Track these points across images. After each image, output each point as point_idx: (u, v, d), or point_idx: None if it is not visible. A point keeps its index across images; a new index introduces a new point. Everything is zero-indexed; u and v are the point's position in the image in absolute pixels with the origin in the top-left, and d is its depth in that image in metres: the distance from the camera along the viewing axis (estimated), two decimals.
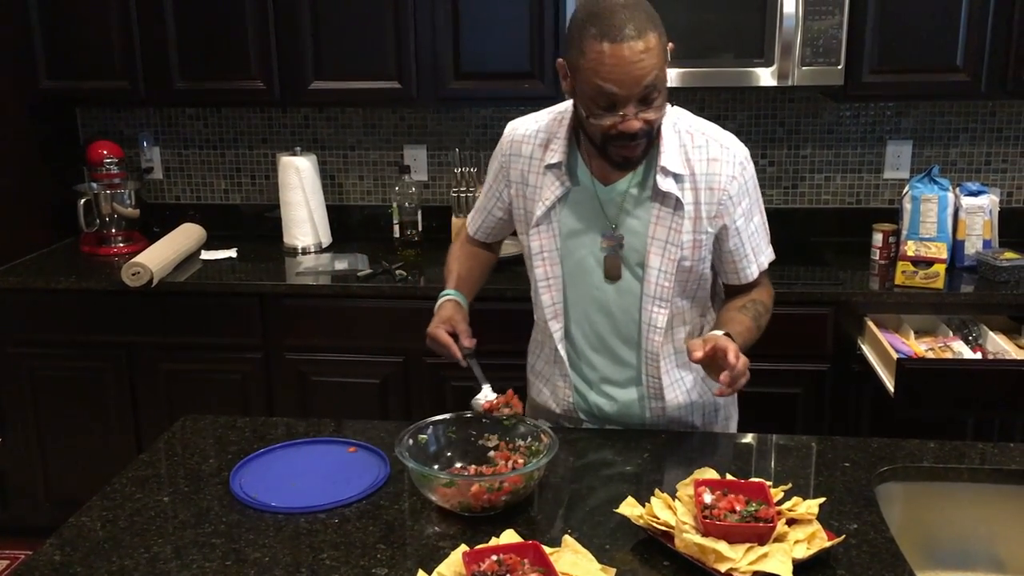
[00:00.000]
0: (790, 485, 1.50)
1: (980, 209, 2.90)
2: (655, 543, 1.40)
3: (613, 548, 1.41)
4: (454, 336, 1.76)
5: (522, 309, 2.92)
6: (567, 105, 1.77)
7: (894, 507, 1.62)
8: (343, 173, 3.45)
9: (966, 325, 2.68)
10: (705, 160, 1.69)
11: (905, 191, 2.97)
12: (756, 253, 1.79)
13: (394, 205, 3.21)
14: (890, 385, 2.38)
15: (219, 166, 3.50)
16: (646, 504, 1.44)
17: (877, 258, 2.94)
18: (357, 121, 3.39)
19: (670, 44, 1.59)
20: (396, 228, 3.22)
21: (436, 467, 1.59)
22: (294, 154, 3.19)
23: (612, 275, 1.75)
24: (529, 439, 1.62)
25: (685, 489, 1.46)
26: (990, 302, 2.70)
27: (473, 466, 1.61)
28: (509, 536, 1.35)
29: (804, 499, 1.43)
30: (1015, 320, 2.70)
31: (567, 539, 1.35)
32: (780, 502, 1.42)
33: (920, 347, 2.56)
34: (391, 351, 2.90)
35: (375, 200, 3.45)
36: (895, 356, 2.37)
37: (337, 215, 3.37)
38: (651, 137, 1.63)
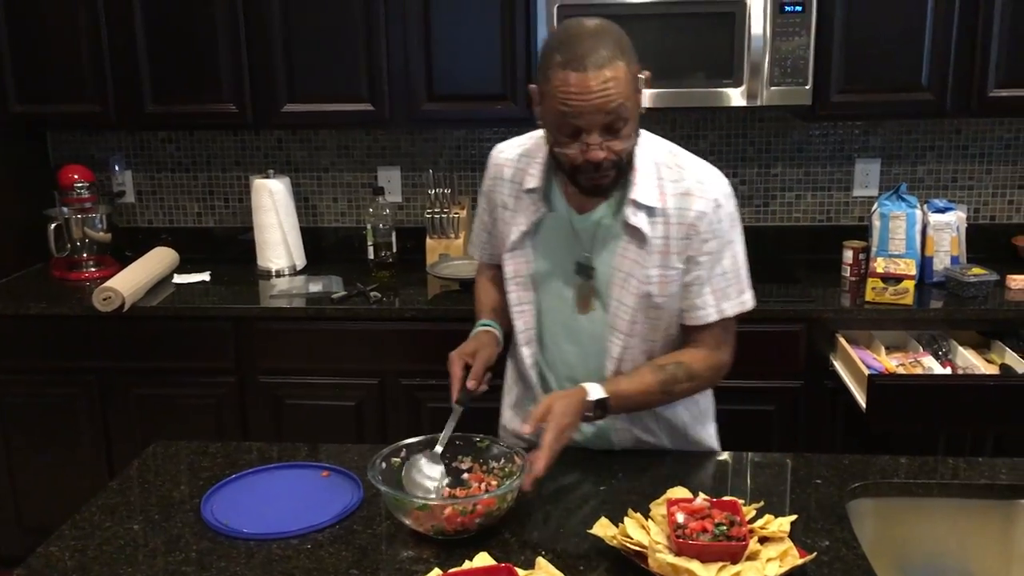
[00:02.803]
0: (763, 503, 1.50)
1: (948, 226, 2.94)
2: (628, 563, 1.40)
3: (587, 569, 1.41)
4: (467, 368, 1.72)
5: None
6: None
7: (866, 523, 1.63)
8: (317, 195, 3.45)
9: (936, 340, 2.71)
10: (679, 194, 1.65)
11: (874, 208, 3.01)
12: (718, 298, 1.70)
13: (368, 227, 3.21)
14: (862, 401, 2.40)
15: (192, 189, 3.49)
16: (619, 524, 1.44)
17: (848, 275, 2.98)
18: (331, 143, 3.39)
19: (645, 72, 1.57)
20: (370, 250, 3.22)
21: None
22: (267, 176, 3.19)
23: (582, 305, 1.73)
24: (503, 461, 1.62)
25: (658, 509, 1.47)
26: (959, 317, 2.73)
27: (447, 488, 1.60)
28: (482, 559, 1.35)
29: (776, 517, 1.44)
30: (984, 335, 2.73)
31: (540, 561, 1.35)
32: (752, 520, 1.43)
33: (891, 363, 2.59)
34: (366, 373, 2.89)
35: (349, 222, 3.45)
36: (866, 372, 2.39)
37: (311, 237, 3.36)
38: (620, 167, 1.59)
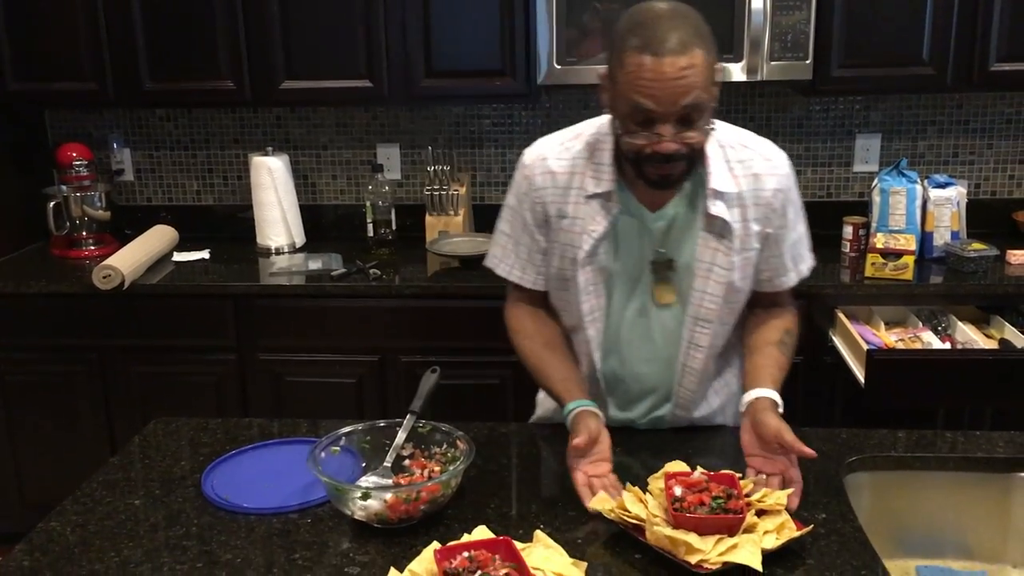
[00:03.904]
0: (764, 476, 1.51)
1: (948, 201, 2.93)
2: (627, 536, 1.41)
3: (585, 543, 1.41)
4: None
5: (498, 307, 2.93)
6: (591, 127, 1.67)
7: (863, 496, 1.64)
8: (316, 173, 3.44)
9: (935, 316, 2.71)
10: (750, 175, 1.61)
11: (874, 184, 3.00)
12: (796, 261, 1.72)
13: (367, 204, 3.20)
14: (861, 376, 2.40)
15: (191, 167, 3.48)
16: (617, 498, 1.45)
17: (847, 250, 2.97)
18: (329, 120, 3.38)
19: (720, 65, 1.50)
20: (370, 227, 3.21)
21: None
22: (266, 154, 3.18)
23: (661, 302, 1.67)
24: (444, 446, 1.59)
25: (656, 482, 1.47)
26: (958, 292, 2.73)
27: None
28: (481, 532, 1.36)
29: (773, 490, 1.45)
30: (983, 310, 2.73)
31: (538, 534, 1.36)
32: (749, 493, 1.43)
33: (890, 338, 2.59)
34: (366, 350, 2.90)
35: (348, 199, 3.45)
36: (865, 347, 2.39)
37: (310, 215, 3.36)
38: (692, 158, 1.51)
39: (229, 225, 3.44)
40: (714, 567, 1.30)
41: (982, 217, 3.15)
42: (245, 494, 1.57)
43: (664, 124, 1.45)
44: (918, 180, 2.95)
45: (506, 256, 1.76)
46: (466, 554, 1.26)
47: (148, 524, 1.50)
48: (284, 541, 1.44)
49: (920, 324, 2.68)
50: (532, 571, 1.23)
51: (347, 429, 1.61)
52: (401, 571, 1.28)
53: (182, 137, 3.45)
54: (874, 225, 2.97)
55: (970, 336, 2.56)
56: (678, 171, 1.51)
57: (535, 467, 1.71)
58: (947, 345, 2.57)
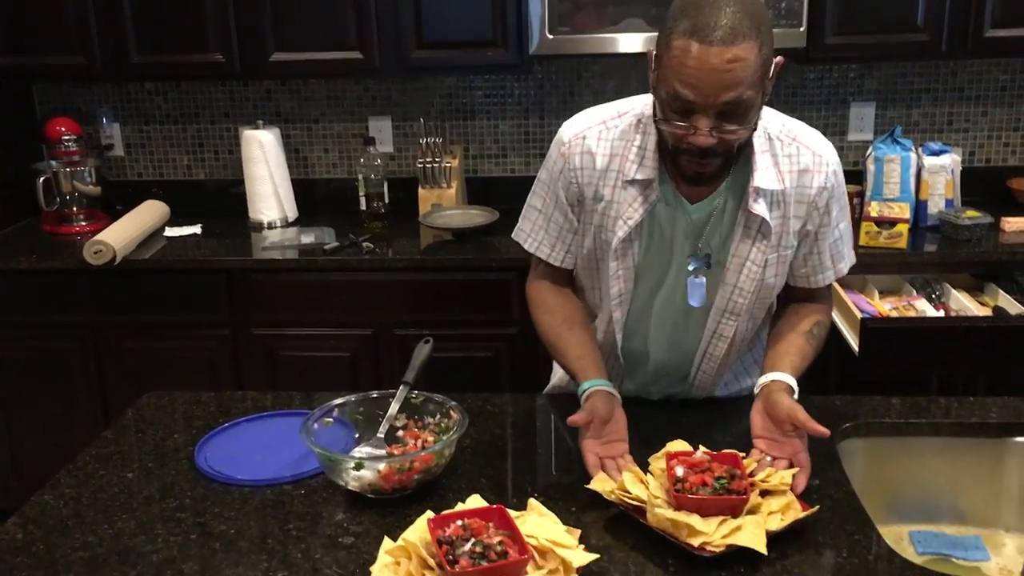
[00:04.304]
0: (770, 459, 1.46)
1: (942, 169, 2.92)
2: (627, 518, 1.37)
3: (579, 511, 1.41)
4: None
5: (492, 280, 2.92)
6: (637, 104, 1.58)
7: (856, 463, 1.64)
8: (307, 146, 3.42)
9: (929, 284, 2.71)
10: (796, 171, 1.54)
11: (868, 152, 2.99)
12: (836, 260, 1.65)
13: (360, 177, 3.18)
14: (855, 345, 2.40)
15: (181, 142, 3.45)
16: (617, 479, 1.42)
17: None
18: (320, 93, 3.35)
19: (779, 59, 1.40)
20: (362, 201, 3.19)
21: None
22: (257, 127, 3.16)
23: (692, 303, 1.62)
24: (438, 416, 1.58)
25: (657, 462, 1.44)
26: (953, 260, 2.73)
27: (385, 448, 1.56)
28: (474, 501, 1.36)
29: (777, 470, 1.42)
30: (977, 278, 2.73)
31: (532, 502, 1.36)
32: (753, 473, 1.41)
33: (884, 306, 2.59)
34: (360, 324, 2.89)
35: (340, 173, 3.43)
36: (859, 316, 2.39)
37: (302, 189, 3.34)
38: (729, 156, 1.44)
39: (220, 200, 3.42)
40: (717, 550, 1.27)
41: (977, 185, 3.14)
42: (238, 466, 1.57)
43: (702, 116, 1.36)
44: (912, 148, 2.94)
45: (535, 232, 1.69)
46: (460, 523, 1.26)
47: (142, 497, 1.49)
48: (278, 512, 1.44)
49: (914, 292, 2.68)
50: (526, 539, 1.23)
51: (340, 400, 1.61)
52: (395, 540, 1.28)
53: (172, 111, 3.42)
54: (868, 194, 2.96)
55: (964, 304, 2.56)
56: (713, 167, 1.44)
57: (529, 437, 1.71)
58: (941, 313, 2.57)
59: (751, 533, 1.28)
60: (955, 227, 2.79)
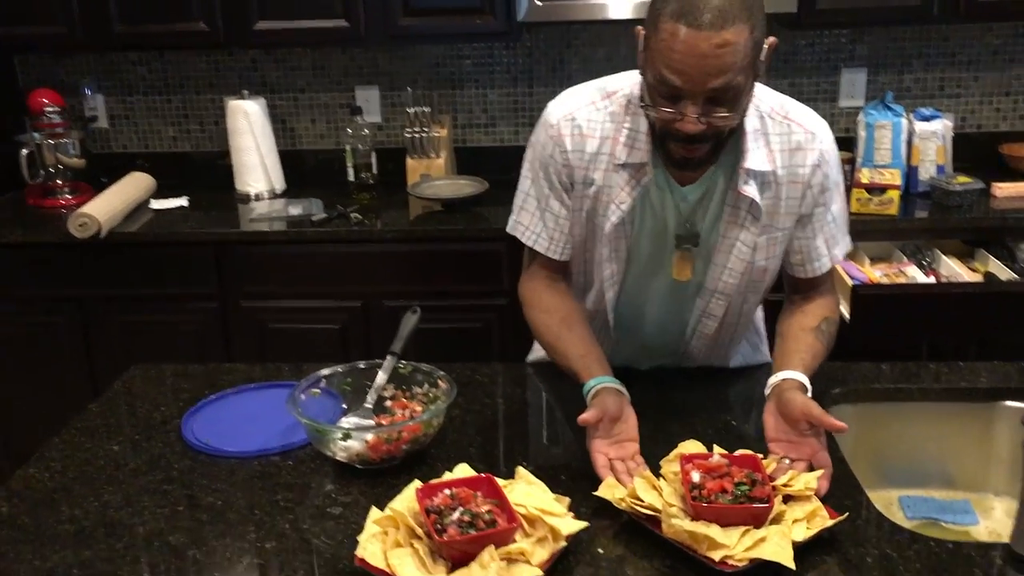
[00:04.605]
0: (788, 461, 1.37)
1: (934, 134, 2.91)
2: (638, 526, 1.27)
3: (569, 480, 1.40)
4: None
5: (482, 250, 2.90)
6: (624, 83, 1.53)
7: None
8: (294, 117, 3.38)
9: (920, 250, 2.71)
10: (788, 150, 1.49)
11: (859, 118, 2.97)
12: (831, 245, 1.60)
13: (347, 148, 3.15)
14: (846, 312, 2.40)
15: (165, 113, 3.41)
16: (628, 486, 1.32)
17: None
18: (306, 63, 3.31)
19: (770, 39, 1.35)
20: (350, 171, 3.16)
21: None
22: (242, 98, 3.12)
23: (682, 273, 1.59)
24: (426, 386, 1.57)
25: (669, 466, 1.35)
26: (943, 226, 2.72)
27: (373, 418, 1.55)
28: (462, 470, 1.35)
29: (800, 473, 1.33)
30: (968, 244, 2.73)
31: (520, 471, 1.35)
32: (773, 477, 1.31)
33: (875, 273, 2.58)
34: (349, 296, 2.88)
35: (328, 144, 3.39)
36: (850, 283, 2.38)
37: (289, 160, 3.30)
38: (719, 140, 1.40)
39: (207, 172, 3.38)
40: (740, 564, 1.17)
41: (968, 150, 3.12)
42: (226, 438, 1.56)
43: (690, 103, 1.32)
44: (904, 114, 2.92)
45: (533, 224, 1.61)
46: (447, 492, 1.25)
47: (128, 469, 1.48)
48: (266, 483, 1.43)
49: (905, 259, 2.67)
50: (514, 507, 1.23)
51: (327, 371, 1.60)
52: (382, 510, 1.27)
53: (156, 82, 3.37)
54: (859, 160, 2.94)
55: (955, 270, 2.56)
56: (702, 152, 1.40)
57: (518, 407, 1.70)
58: (932, 279, 2.57)
59: (777, 545, 1.18)
60: (946, 193, 2.77)
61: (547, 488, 1.31)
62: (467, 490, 1.26)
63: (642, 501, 1.26)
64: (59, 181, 3.14)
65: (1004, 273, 2.51)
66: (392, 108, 3.34)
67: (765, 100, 1.50)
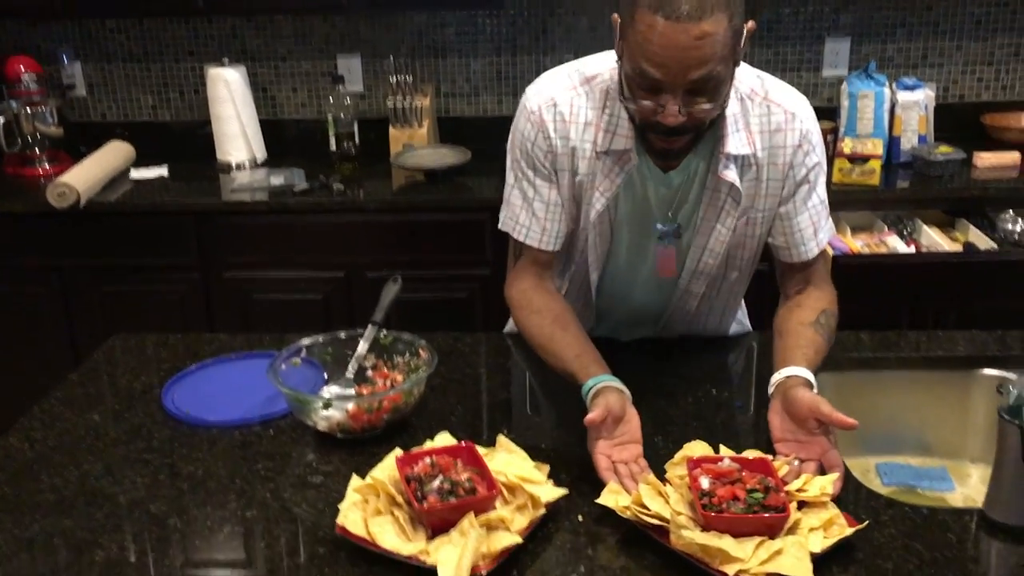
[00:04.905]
0: (798, 463, 1.31)
1: (916, 104, 2.91)
2: (642, 535, 1.20)
3: (549, 447, 1.41)
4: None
5: (465, 220, 2.89)
6: (604, 67, 1.50)
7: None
8: (275, 85, 3.34)
9: (901, 220, 2.72)
10: (768, 132, 1.47)
11: (842, 88, 2.97)
12: (816, 229, 1.56)
13: (329, 117, 3.13)
14: None
15: (144, 81, 3.37)
16: (633, 492, 1.25)
17: None
18: (287, 30, 3.27)
19: (750, 24, 1.32)
20: (332, 141, 3.14)
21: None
22: (222, 65, 3.08)
23: (662, 275, 1.60)
24: (407, 356, 1.57)
25: (675, 470, 1.29)
26: (925, 197, 2.73)
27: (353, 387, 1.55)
28: (443, 439, 1.36)
29: (814, 476, 1.27)
30: (948, 214, 2.74)
31: (501, 439, 1.36)
32: (785, 481, 1.24)
33: (856, 243, 2.59)
34: (332, 266, 2.87)
35: (309, 113, 3.36)
36: (831, 253, 2.39)
37: (271, 130, 3.27)
38: (700, 130, 1.38)
39: (187, 141, 3.35)
40: None
41: (950, 120, 3.13)
42: (207, 408, 1.56)
43: (670, 96, 1.30)
44: (886, 83, 2.92)
45: (523, 218, 1.57)
46: (428, 460, 1.26)
47: (109, 438, 1.48)
48: (246, 453, 1.44)
49: (886, 229, 2.69)
50: (494, 475, 1.24)
51: (308, 341, 1.60)
52: (363, 478, 1.27)
53: (135, 49, 3.33)
54: (842, 130, 2.94)
55: (935, 240, 2.57)
56: (682, 144, 1.39)
57: (500, 376, 1.71)
58: (912, 249, 2.58)
59: (794, 558, 1.11)
60: (928, 163, 2.78)
61: (527, 456, 1.32)
62: (447, 458, 1.26)
63: (648, 509, 1.19)
64: (37, 150, 3.11)
65: (984, 243, 2.53)
66: (374, 77, 3.31)
67: (744, 81, 1.47)
